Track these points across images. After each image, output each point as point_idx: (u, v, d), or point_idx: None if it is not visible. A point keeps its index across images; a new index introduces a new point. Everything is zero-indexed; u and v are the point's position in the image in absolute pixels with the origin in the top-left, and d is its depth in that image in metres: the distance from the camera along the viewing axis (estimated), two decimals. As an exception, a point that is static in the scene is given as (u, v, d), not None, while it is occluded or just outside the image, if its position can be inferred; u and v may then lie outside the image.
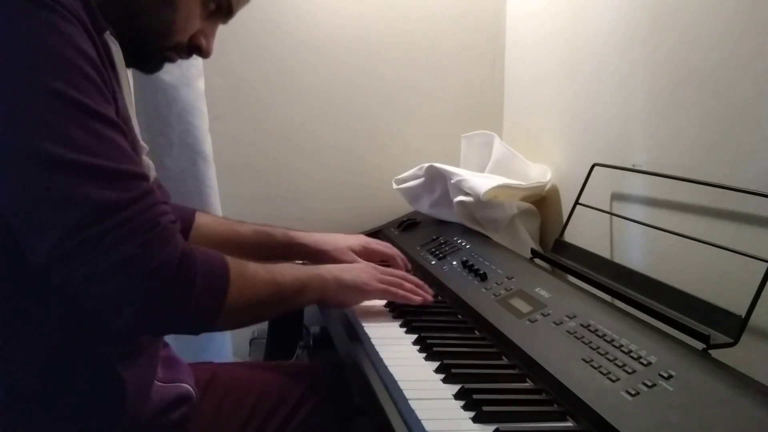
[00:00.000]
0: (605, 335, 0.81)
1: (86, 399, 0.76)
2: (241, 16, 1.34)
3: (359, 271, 0.99)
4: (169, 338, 0.99)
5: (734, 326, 0.77)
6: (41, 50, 0.64)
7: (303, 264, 1.07)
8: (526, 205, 1.44)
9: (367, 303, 1.02)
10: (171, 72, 1.35)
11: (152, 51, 0.82)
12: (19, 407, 0.74)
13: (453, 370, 0.80)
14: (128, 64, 0.82)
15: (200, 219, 1.12)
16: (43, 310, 0.72)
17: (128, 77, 0.80)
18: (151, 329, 0.77)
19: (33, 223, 0.65)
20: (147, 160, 0.80)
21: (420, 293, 1.03)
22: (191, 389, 0.91)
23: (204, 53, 0.85)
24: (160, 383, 0.87)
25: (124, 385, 0.77)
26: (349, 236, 1.22)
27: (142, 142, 0.79)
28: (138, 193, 0.68)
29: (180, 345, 1.04)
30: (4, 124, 0.64)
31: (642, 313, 0.89)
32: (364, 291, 0.97)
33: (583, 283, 1.04)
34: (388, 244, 1.21)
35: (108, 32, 0.73)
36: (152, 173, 0.82)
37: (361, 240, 1.20)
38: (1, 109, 0.63)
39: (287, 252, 1.12)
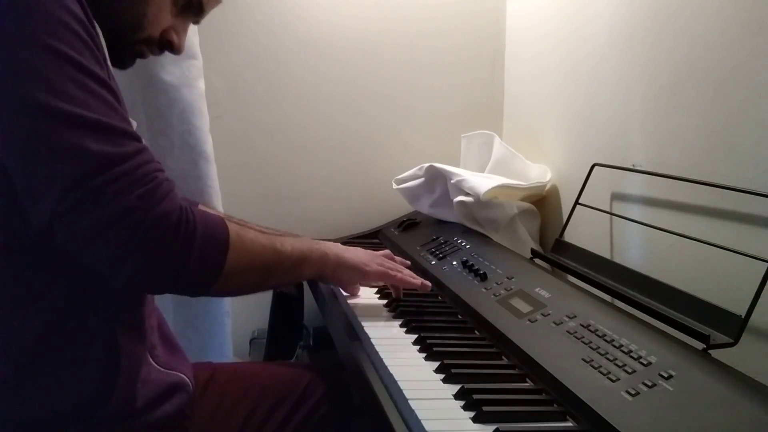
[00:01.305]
0: (605, 335, 0.81)
1: (83, 365, 0.76)
2: (241, 16, 1.35)
3: (361, 252, 1.01)
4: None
5: (734, 326, 0.77)
6: (36, 10, 0.65)
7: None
8: (526, 205, 1.44)
9: (367, 302, 1.02)
10: (172, 72, 1.35)
11: (125, 44, 0.82)
12: (18, 371, 0.74)
13: (453, 370, 0.80)
14: None
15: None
16: (43, 274, 0.73)
17: None
18: (151, 285, 0.77)
19: (36, 176, 0.66)
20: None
21: (418, 278, 1.04)
22: (188, 381, 0.90)
23: (175, 49, 0.86)
24: (158, 367, 0.86)
25: (119, 353, 0.77)
26: (356, 249, 1.20)
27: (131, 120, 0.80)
28: (134, 149, 0.69)
29: (180, 345, 1.04)
30: (3, 80, 0.65)
31: (642, 313, 0.89)
32: (363, 271, 0.98)
33: (583, 283, 1.04)
34: (407, 262, 1.16)
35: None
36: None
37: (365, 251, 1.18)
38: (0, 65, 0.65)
39: None
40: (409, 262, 1.14)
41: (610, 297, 0.99)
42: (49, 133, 0.65)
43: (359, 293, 1.09)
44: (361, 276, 0.99)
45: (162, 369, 0.87)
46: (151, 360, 0.86)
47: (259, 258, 0.82)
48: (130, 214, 0.67)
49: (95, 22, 0.71)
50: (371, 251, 1.06)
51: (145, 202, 0.68)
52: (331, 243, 1.00)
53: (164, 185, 0.71)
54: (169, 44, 0.85)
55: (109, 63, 0.76)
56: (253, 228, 1.06)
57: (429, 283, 1.06)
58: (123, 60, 0.85)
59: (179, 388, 0.89)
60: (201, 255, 0.72)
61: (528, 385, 0.80)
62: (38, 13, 0.65)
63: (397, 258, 1.11)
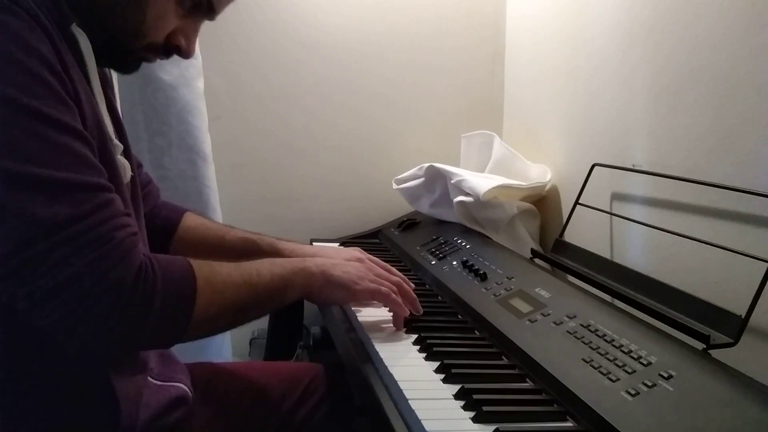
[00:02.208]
0: (605, 335, 0.81)
1: (80, 412, 0.73)
2: (241, 16, 1.35)
3: (351, 267, 0.93)
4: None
5: (734, 326, 0.77)
6: None
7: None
8: (526, 205, 1.44)
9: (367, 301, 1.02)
10: (170, 72, 1.35)
11: (124, 52, 0.78)
12: (14, 424, 0.71)
13: (453, 370, 0.80)
14: (104, 64, 0.79)
15: (188, 221, 1.07)
16: (23, 325, 0.68)
17: (109, 71, 0.77)
18: (110, 349, 0.72)
19: None
20: (122, 160, 0.77)
21: (409, 306, 0.96)
22: (188, 390, 0.89)
23: (184, 53, 0.80)
24: (155, 381, 0.85)
25: (116, 395, 0.74)
26: (341, 250, 1.16)
27: (116, 141, 0.76)
28: (90, 207, 0.64)
29: (179, 345, 1.03)
30: None
31: (642, 313, 0.89)
32: (351, 290, 0.91)
33: (583, 283, 1.04)
34: (386, 264, 1.08)
35: (75, 24, 0.70)
36: (127, 173, 0.78)
37: (353, 255, 1.11)
38: None
39: None
40: (412, 286, 1.02)
41: (610, 297, 0.98)
42: None
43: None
44: (350, 295, 0.91)
45: (160, 383, 0.85)
46: (148, 379, 0.84)
47: (233, 298, 0.77)
48: (75, 283, 0.62)
49: (62, 45, 0.66)
50: (368, 264, 0.99)
51: (96, 269, 0.62)
52: (319, 258, 0.93)
53: (123, 244, 0.65)
54: (176, 49, 0.80)
55: (93, 85, 0.72)
56: (263, 252, 0.99)
57: (420, 311, 0.98)
58: (126, 66, 0.81)
59: (178, 401, 0.86)
60: (163, 314, 0.68)
61: (528, 385, 0.80)
62: None
63: (384, 269, 1.01)
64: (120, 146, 0.78)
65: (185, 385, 0.89)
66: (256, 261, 0.83)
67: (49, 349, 0.70)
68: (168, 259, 0.71)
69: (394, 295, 0.94)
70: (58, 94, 0.64)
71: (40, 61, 0.62)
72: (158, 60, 0.82)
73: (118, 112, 0.86)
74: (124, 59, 0.80)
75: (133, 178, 0.82)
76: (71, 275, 0.62)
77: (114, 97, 0.89)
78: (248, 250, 1.06)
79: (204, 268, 0.74)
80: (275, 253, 1.06)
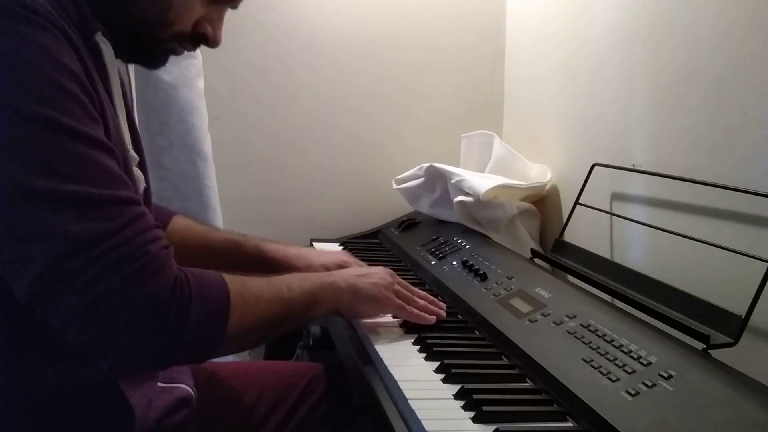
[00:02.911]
0: (605, 335, 0.81)
1: (94, 422, 0.73)
2: (241, 16, 1.34)
3: (377, 278, 0.93)
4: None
5: (734, 326, 0.77)
6: (17, 69, 0.59)
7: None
8: (526, 205, 1.44)
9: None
10: (170, 72, 1.35)
11: (151, 44, 0.76)
12: (15, 422, 0.70)
13: (453, 370, 0.80)
14: (130, 60, 0.78)
15: (175, 224, 1.06)
16: (41, 340, 0.68)
17: (129, 75, 0.77)
18: (145, 365, 0.72)
19: (10, 259, 0.61)
20: (137, 171, 0.77)
21: (433, 310, 0.97)
22: (191, 391, 0.89)
23: (211, 42, 0.79)
24: (160, 384, 0.85)
25: (129, 403, 0.73)
26: (326, 252, 1.16)
27: (132, 152, 0.76)
28: (124, 221, 0.63)
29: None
30: None
31: (642, 313, 0.89)
32: (381, 303, 0.91)
33: (583, 283, 1.04)
34: (365, 265, 1.10)
35: (99, 33, 0.70)
36: (141, 185, 0.78)
37: (338, 258, 1.13)
38: None
39: (257, 265, 1.05)
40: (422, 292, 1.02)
41: (610, 297, 0.98)
42: (22, 214, 0.59)
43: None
44: (379, 309, 0.92)
45: (164, 385, 0.85)
46: (154, 381, 0.83)
47: (266, 313, 0.76)
48: (112, 298, 0.61)
49: (86, 57, 0.65)
50: (387, 270, 0.97)
51: (131, 283, 0.62)
52: (344, 271, 0.93)
53: (158, 258, 0.65)
54: (203, 37, 0.78)
55: (114, 97, 0.72)
56: (248, 254, 0.99)
57: (443, 313, 0.98)
58: (154, 60, 0.79)
59: (183, 402, 0.86)
60: (198, 329, 0.67)
61: (528, 385, 0.80)
62: (19, 73, 0.59)
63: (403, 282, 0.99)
64: (136, 158, 0.77)
65: (188, 386, 0.89)
66: (286, 276, 0.83)
67: (61, 360, 0.70)
68: (201, 273, 0.70)
69: (416, 311, 0.94)
70: (87, 109, 0.63)
71: (70, 78, 0.62)
72: (185, 51, 0.80)
73: (135, 122, 0.85)
74: (151, 52, 0.78)
75: (146, 189, 0.81)
76: (107, 291, 0.61)
77: (132, 105, 0.88)
78: (232, 251, 1.06)
79: (236, 283, 0.73)
80: (259, 254, 1.07)
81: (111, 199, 0.63)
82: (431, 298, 1.01)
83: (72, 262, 0.60)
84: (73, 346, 0.63)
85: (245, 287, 0.74)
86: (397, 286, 0.95)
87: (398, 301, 0.93)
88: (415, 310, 0.94)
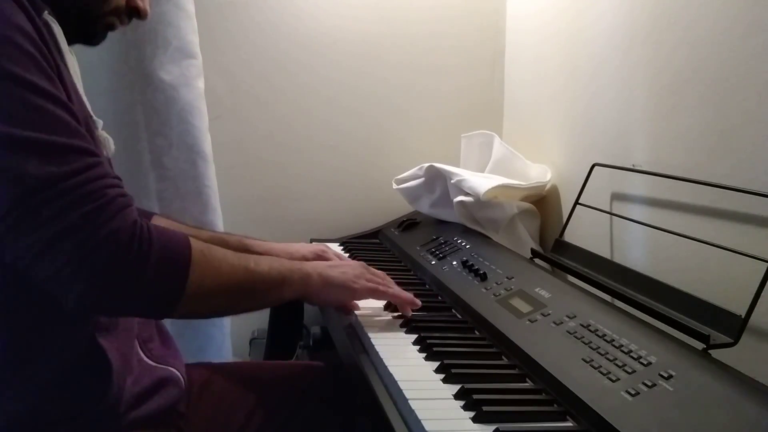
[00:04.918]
0: (605, 335, 0.81)
1: (65, 373, 0.75)
2: (240, 16, 1.35)
3: (347, 267, 0.97)
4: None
5: (734, 326, 0.77)
6: None
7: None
8: (526, 205, 1.44)
9: (366, 302, 1.02)
10: (171, 72, 1.34)
11: (94, 19, 0.82)
12: (6, 387, 0.73)
13: (453, 370, 0.80)
14: (73, 41, 0.82)
15: (157, 221, 1.07)
16: (15, 286, 0.71)
17: (74, 59, 0.81)
18: (106, 307, 0.73)
19: None
20: (103, 134, 0.80)
21: (408, 300, 0.99)
22: (180, 377, 0.89)
23: (142, 14, 0.85)
24: (149, 361, 0.85)
25: (106, 356, 0.75)
26: (305, 245, 1.20)
27: (95, 117, 0.79)
28: (82, 166, 0.67)
29: (180, 343, 1.04)
30: None
31: (642, 313, 0.89)
32: (351, 288, 0.94)
33: (583, 283, 1.04)
34: (344, 255, 1.15)
35: (46, 12, 0.74)
36: (111, 147, 0.81)
37: (316, 249, 1.17)
38: None
39: None
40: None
41: (610, 297, 0.98)
42: None
43: (357, 309, 1.02)
44: (350, 294, 0.95)
45: (153, 363, 0.86)
46: (141, 354, 0.85)
47: (228, 278, 0.78)
48: (72, 233, 0.65)
49: (39, 22, 0.70)
50: (360, 263, 1.01)
51: (91, 221, 0.65)
52: (315, 262, 0.96)
53: (117, 201, 0.68)
54: (135, 10, 0.84)
55: (69, 69, 0.75)
56: (231, 248, 0.99)
57: (418, 302, 1.01)
58: (95, 35, 0.85)
59: (169, 383, 0.87)
60: (157, 274, 0.70)
61: (528, 385, 0.80)
62: None
63: (378, 271, 1.03)
64: (100, 121, 0.80)
65: (178, 371, 0.89)
66: (257, 255, 0.86)
67: (41, 311, 0.72)
68: (164, 228, 0.74)
69: (391, 290, 0.98)
70: (45, 68, 0.67)
71: (23, 36, 0.66)
72: (120, 26, 0.85)
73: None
74: (94, 27, 0.83)
75: (109, 160, 0.84)
76: (67, 226, 0.64)
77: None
78: (216, 244, 1.07)
79: (200, 244, 0.76)
80: (243, 247, 1.09)
81: (68, 147, 0.67)
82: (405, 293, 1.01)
83: (32, 200, 0.64)
84: (40, 285, 0.67)
85: (209, 248, 0.77)
86: (369, 275, 0.98)
87: (369, 285, 0.96)
88: (390, 289, 0.97)
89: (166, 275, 0.71)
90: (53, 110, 0.67)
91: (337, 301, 0.97)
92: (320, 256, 1.14)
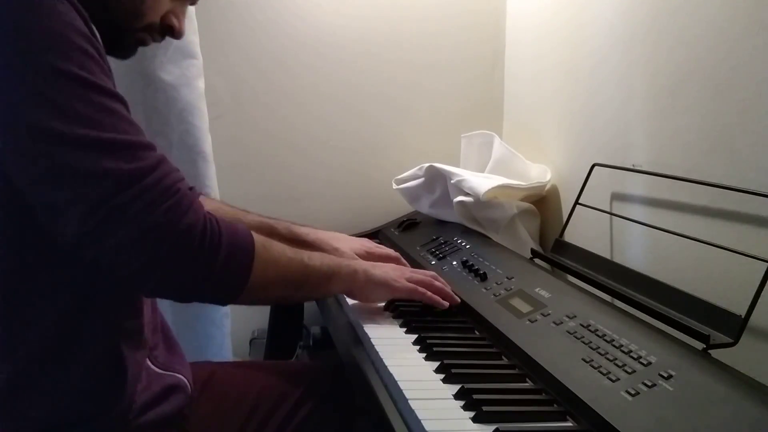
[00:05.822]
0: (605, 335, 0.81)
1: (83, 371, 0.76)
2: (241, 16, 1.35)
3: (389, 268, 1.00)
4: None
5: (734, 326, 0.77)
6: (37, 29, 0.65)
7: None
8: (526, 205, 1.44)
9: (366, 303, 1.02)
10: (171, 72, 1.34)
11: (124, 34, 0.83)
12: (22, 386, 0.74)
13: (453, 370, 0.80)
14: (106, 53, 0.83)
15: (206, 204, 1.10)
16: (47, 280, 0.73)
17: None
18: (177, 294, 0.77)
19: (54, 203, 0.67)
20: None
21: (448, 296, 1.02)
22: (187, 383, 0.90)
23: (177, 33, 0.87)
24: (156, 369, 0.86)
25: (121, 359, 0.77)
26: (353, 239, 1.22)
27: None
28: (153, 161, 0.70)
29: (182, 343, 1.03)
30: (12, 107, 0.66)
31: (642, 313, 0.89)
32: (392, 287, 0.97)
33: (583, 283, 1.04)
34: (392, 250, 1.20)
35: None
36: None
37: (364, 244, 1.21)
38: (6, 92, 0.66)
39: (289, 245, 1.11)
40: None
41: (610, 297, 0.98)
42: (66, 160, 0.65)
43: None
44: (390, 292, 0.99)
45: (160, 371, 0.87)
46: (149, 363, 0.85)
47: (286, 271, 0.84)
48: (157, 229, 0.68)
49: (92, 26, 0.71)
50: (402, 266, 1.06)
51: (171, 216, 0.69)
52: (361, 260, 1.01)
53: (188, 195, 0.72)
54: (170, 29, 0.86)
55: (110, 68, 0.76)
56: (280, 235, 1.09)
57: (457, 299, 1.03)
58: (125, 49, 0.86)
59: (177, 390, 0.88)
60: (226, 265, 0.74)
61: (528, 385, 0.80)
62: (40, 33, 0.66)
63: (423, 271, 1.06)
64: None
65: (185, 377, 0.90)
66: (308, 250, 0.90)
67: (75, 318, 0.74)
68: (226, 220, 0.77)
69: (429, 293, 0.99)
70: (101, 65, 0.70)
71: (83, 37, 0.68)
72: (152, 42, 0.87)
73: None
74: (123, 43, 0.84)
75: None
76: (154, 222, 0.68)
77: None
78: (265, 232, 1.08)
79: (261, 238, 0.80)
80: (291, 236, 1.13)
81: (137, 144, 0.70)
82: (446, 285, 1.04)
83: (116, 200, 0.66)
84: (118, 280, 0.72)
85: (270, 242, 0.82)
86: (409, 274, 1.01)
87: (409, 285, 0.98)
88: (428, 293, 0.99)
89: (234, 267, 0.75)
90: (115, 108, 0.69)
91: (378, 298, 1.02)
92: (368, 252, 1.18)
